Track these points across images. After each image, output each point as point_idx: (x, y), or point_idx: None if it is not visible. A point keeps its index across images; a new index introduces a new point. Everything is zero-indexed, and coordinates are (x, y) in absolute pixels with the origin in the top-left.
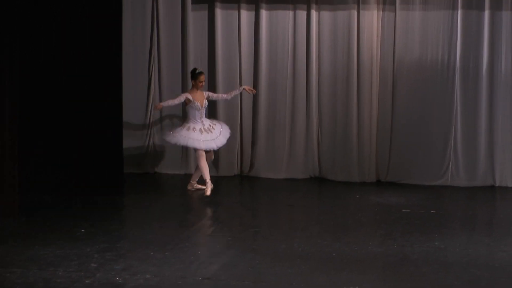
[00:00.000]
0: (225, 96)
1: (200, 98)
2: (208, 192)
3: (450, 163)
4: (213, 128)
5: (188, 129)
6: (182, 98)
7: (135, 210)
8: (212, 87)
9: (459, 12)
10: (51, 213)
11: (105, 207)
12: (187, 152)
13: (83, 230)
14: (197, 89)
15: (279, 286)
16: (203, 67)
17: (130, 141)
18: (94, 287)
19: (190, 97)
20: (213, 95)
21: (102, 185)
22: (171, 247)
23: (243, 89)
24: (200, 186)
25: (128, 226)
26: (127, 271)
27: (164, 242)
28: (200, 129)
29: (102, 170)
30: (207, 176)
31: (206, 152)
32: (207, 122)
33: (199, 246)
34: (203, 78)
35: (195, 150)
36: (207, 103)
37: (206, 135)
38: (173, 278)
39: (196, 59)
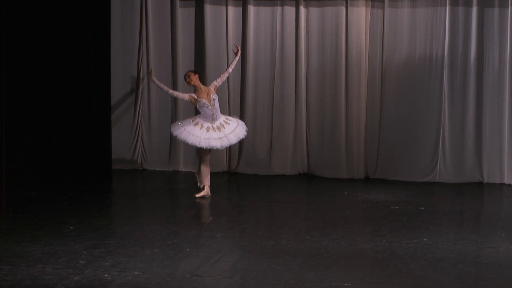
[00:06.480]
0: (228, 70)
1: (205, 95)
2: (199, 195)
3: (439, 159)
4: (224, 127)
5: (196, 124)
6: (185, 96)
7: (123, 206)
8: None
9: (447, 9)
10: (39, 209)
11: (93, 203)
12: (175, 149)
13: (71, 227)
14: (199, 88)
15: (268, 282)
16: (191, 63)
17: (118, 138)
18: (83, 284)
19: (195, 96)
20: (218, 81)
21: (90, 181)
22: (160, 244)
23: (232, 50)
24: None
25: (117, 222)
26: (115, 268)
27: (153, 239)
28: (208, 126)
29: (90, 166)
30: (206, 182)
31: (208, 153)
32: (220, 119)
33: (188, 242)
34: (187, 75)
35: (198, 152)
36: (215, 97)
37: (212, 133)
38: (162, 274)
39: (185, 56)
